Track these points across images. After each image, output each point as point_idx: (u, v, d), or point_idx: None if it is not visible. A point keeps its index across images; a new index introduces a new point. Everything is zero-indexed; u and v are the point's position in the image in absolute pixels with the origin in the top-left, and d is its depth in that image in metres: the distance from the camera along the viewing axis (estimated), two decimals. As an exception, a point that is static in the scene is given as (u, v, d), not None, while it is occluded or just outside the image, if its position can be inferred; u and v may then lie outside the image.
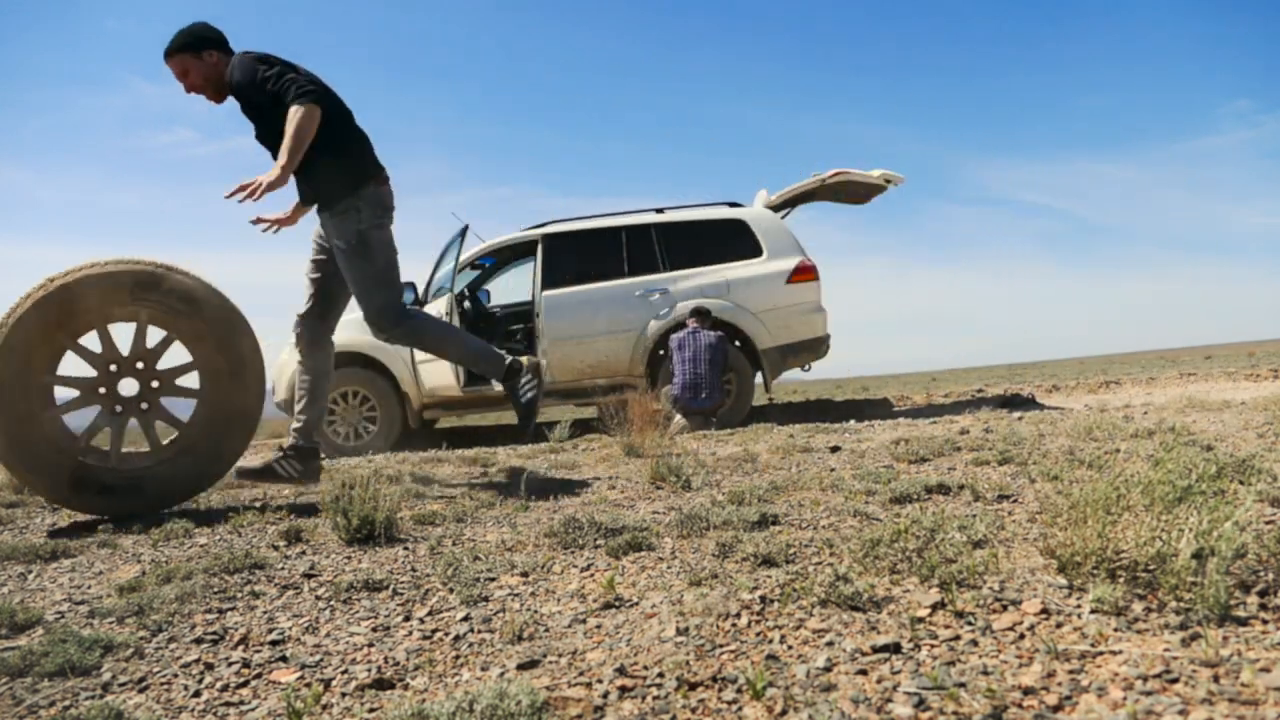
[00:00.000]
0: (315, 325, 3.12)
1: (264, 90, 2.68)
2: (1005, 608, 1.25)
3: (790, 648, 1.18)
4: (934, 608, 1.27)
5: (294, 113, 2.60)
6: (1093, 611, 1.20)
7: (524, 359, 3.23)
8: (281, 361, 6.13)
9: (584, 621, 1.40)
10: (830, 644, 1.17)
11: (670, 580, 1.60)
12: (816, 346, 6.18)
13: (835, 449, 3.63)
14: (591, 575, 1.68)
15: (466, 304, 6.73)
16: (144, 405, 2.80)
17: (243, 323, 2.87)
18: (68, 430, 2.73)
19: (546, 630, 1.37)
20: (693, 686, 1.07)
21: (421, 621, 1.47)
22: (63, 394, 2.74)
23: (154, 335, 2.81)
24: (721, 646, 1.20)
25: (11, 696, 1.20)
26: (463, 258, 6.16)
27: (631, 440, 3.90)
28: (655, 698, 1.05)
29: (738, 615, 1.32)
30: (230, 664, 1.31)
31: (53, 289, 2.60)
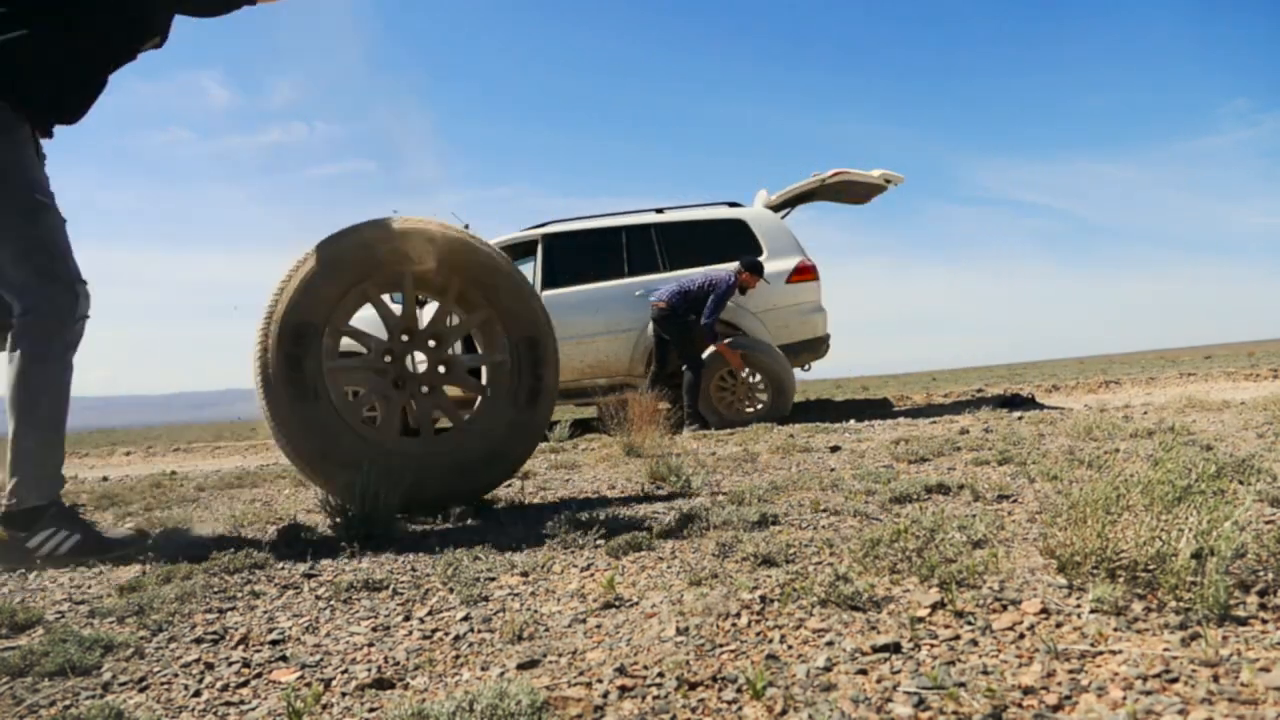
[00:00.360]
0: None
1: None
2: (1005, 607, 1.26)
3: (790, 647, 1.18)
4: (934, 607, 1.27)
5: None
6: (1092, 611, 1.20)
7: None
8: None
9: (584, 621, 1.40)
10: (830, 644, 1.17)
11: (670, 580, 1.60)
12: (817, 346, 6.18)
13: (835, 449, 3.63)
14: (591, 575, 1.68)
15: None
16: (431, 379, 2.65)
17: (503, 261, 2.65)
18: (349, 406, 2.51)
19: (546, 630, 1.37)
20: (693, 686, 1.07)
21: (421, 621, 1.47)
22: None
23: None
24: (721, 646, 1.21)
25: (12, 696, 1.20)
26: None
27: (631, 440, 3.90)
28: (655, 697, 1.05)
29: (738, 615, 1.32)
30: (230, 664, 1.31)
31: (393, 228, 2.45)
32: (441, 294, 2.63)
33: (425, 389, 2.65)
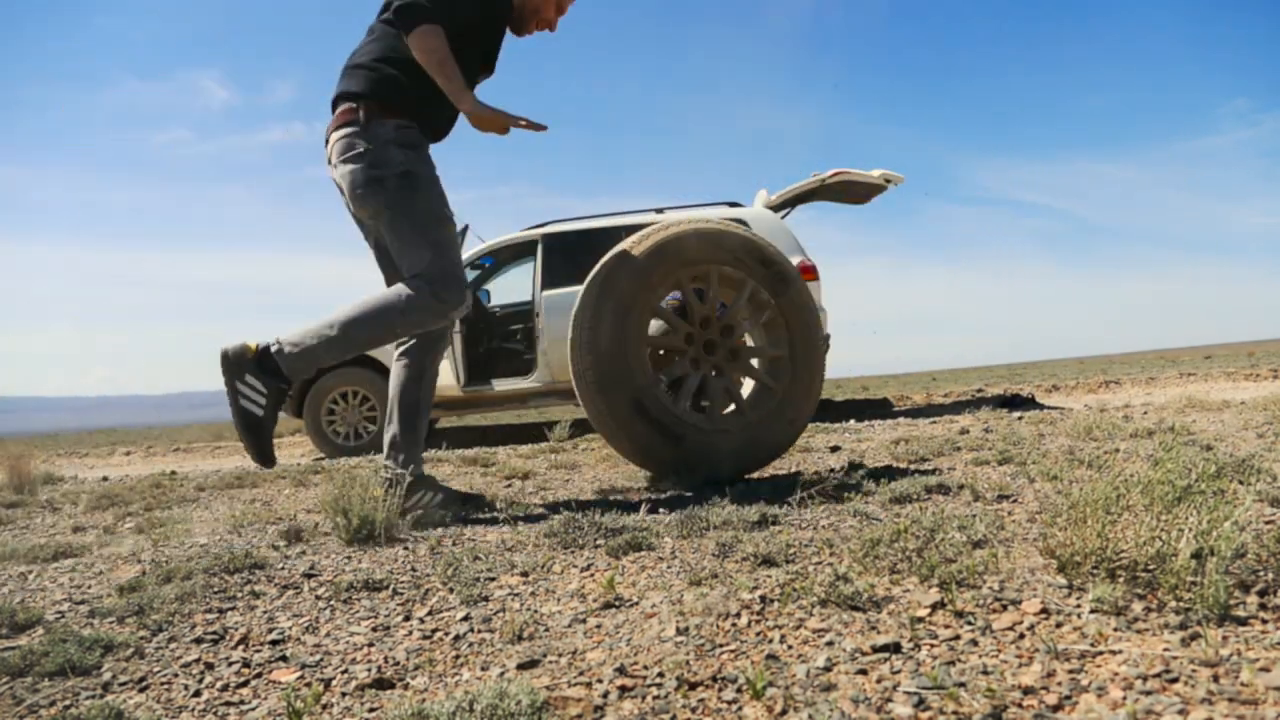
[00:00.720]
0: None
1: None
2: (1005, 607, 1.26)
3: (790, 647, 1.18)
4: (934, 607, 1.27)
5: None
6: (1093, 611, 1.20)
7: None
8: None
9: (584, 621, 1.40)
10: (830, 644, 1.17)
11: (670, 580, 1.60)
12: (816, 346, 6.18)
13: (835, 449, 3.63)
14: (591, 575, 1.68)
15: (466, 304, 6.73)
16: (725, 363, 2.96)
17: (792, 270, 2.97)
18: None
19: (546, 630, 1.37)
20: (693, 686, 1.07)
21: (421, 621, 1.47)
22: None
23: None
24: (721, 646, 1.21)
25: (12, 696, 1.20)
26: (463, 257, 6.17)
27: (631, 440, 3.89)
28: (655, 697, 1.05)
29: (738, 615, 1.32)
30: (230, 664, 1.31)
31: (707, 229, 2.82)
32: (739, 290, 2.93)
33: (715, 372, 2.93)
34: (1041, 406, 6.32)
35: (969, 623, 1.21)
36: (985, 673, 1.03)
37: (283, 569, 1.88)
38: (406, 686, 1.18)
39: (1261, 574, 1.30)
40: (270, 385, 2.34)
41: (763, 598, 1.39)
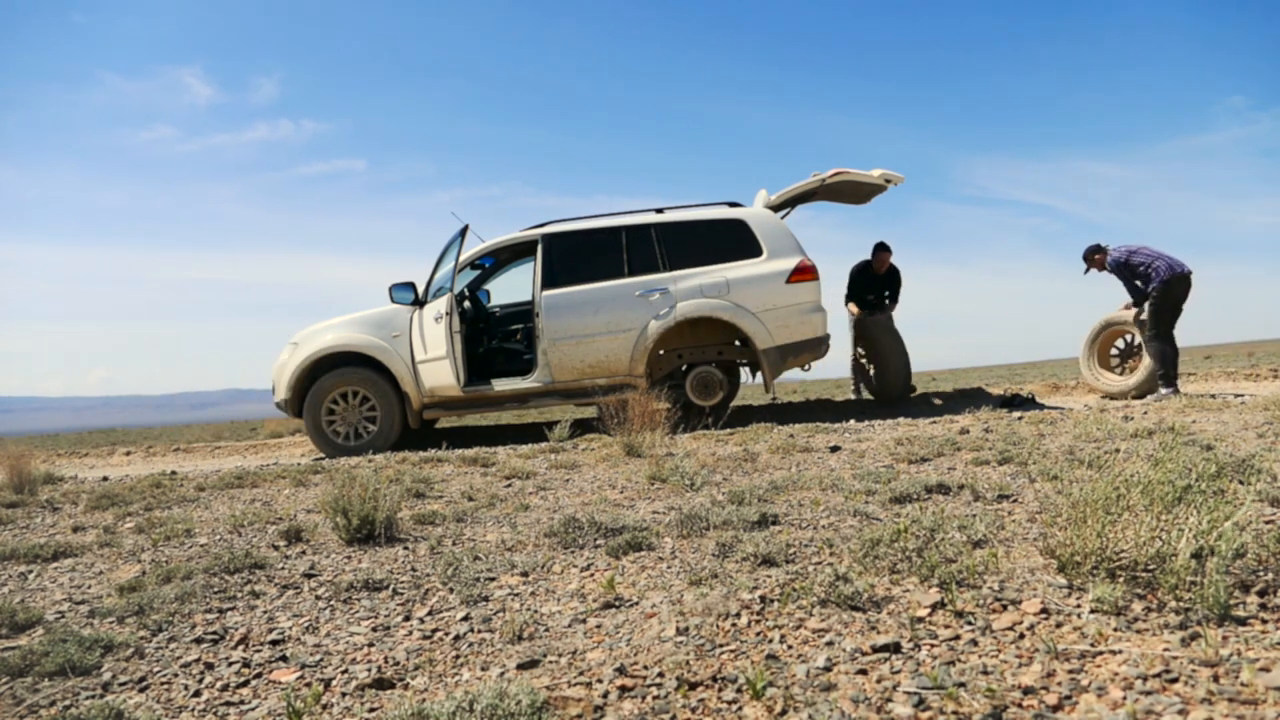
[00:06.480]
0: None
1: None
2: (1005, 607, 1.25)
3: (790, 647, 1.18)
4: (934, 607, 1.27)
5: None
6: (1093, 611, 1.20)
7: None
8: (280, 362, 6.13)
9: (584, 621, 1.40)
10: (830, 644, 1.17)
11: (670, 580, 1.60)
12: (816, 346, 6.18)
13: (835, 449, 3.63)
14: (591, 575, 1.68)
15: (466, 304, 6.73)
16: None
17: None
18: None
19: (546, 630, 1.37)
20: (693, 686, 1.07)
21: (421, 621, 1.47)
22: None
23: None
24: (721, 646, 1.20)
25: (12, 696, 1.20)
26: (462, 257, 6.16)
27: (631, 440, 3.90)
28: (655, 697, 1.05)
29: (738, 615, 1.32)
30: (230, 664, 1.31)
31: None
32: None
33: None
34: (1041, 406, 6.32)
35: (969, 623, 1.21)
36: (985, 673, 1.03)
37: (283, 569, 1.88)
38: (406, 686, 1.18)
39: (1261, 574, 1.30)
40: None
41: (763, 598, 1.39)
